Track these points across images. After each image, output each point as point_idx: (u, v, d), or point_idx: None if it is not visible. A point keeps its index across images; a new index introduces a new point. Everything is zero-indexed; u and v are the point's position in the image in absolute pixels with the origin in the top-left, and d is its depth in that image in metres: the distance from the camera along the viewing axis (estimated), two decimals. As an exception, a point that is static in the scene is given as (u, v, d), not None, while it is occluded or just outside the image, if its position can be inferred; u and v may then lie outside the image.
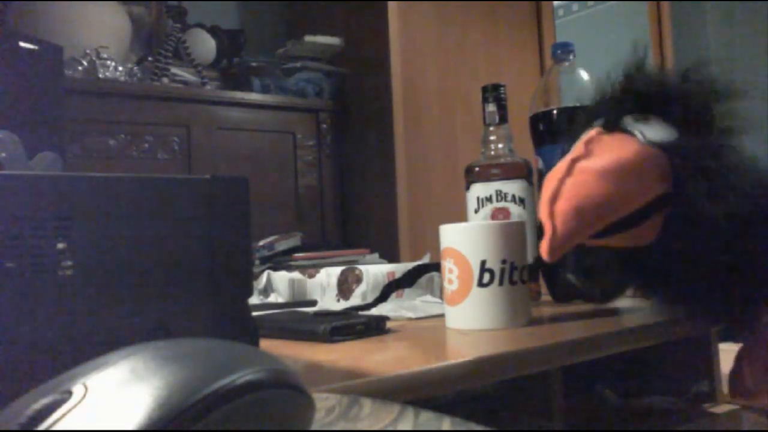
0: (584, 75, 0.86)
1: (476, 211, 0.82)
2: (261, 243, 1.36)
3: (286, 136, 2.00)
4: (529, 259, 0.70)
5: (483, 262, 0.62)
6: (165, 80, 1.85)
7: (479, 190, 0.82)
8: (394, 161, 1.91)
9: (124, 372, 0.24)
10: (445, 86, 2.05)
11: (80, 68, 1.69)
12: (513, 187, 0.80)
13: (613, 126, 0.59)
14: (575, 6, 3.25)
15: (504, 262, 0.62)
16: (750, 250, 0.58)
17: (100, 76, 1.70)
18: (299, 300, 0.92)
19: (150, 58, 1.92)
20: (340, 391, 0.36)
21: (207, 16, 2.17)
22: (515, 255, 0.63)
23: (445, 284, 0.64)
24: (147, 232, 0.42)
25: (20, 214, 0.38)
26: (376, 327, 0.62)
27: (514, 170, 0.81)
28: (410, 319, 0.72)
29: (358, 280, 0.85)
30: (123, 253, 0.41)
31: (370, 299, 0.80)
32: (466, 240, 0.63)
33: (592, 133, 0.59)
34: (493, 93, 0.83)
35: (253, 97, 1.94)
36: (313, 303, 0.89)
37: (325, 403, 0.31)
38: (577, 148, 0.58)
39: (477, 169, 0.83)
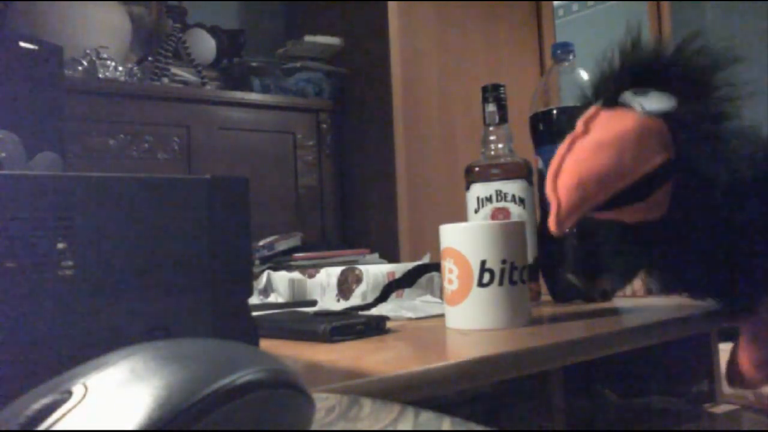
0: (584, 75, 0.86)
1: (476, 211, 0.82)
2: (261, 243, 1.36)
3: (286, 136, 2.00)
4: (529, 259, 0.70)
5: (483, 262, 0.62)
6: (165, 80, 1.85)
7: (479, 190, 0.82)
8: (394, 161, 1.91)
9: (124, 372, 0.24)
10: (445, 86, 2.05)
11: (80, 68, 1.69)
12: (513, 187, 0.80)
13: (612, 102, 0.60)
14: (575, 6, 3.25)
15: (504, 262, 0.62)
16: (752, 220, 0.59)
17: (100, 76, 1.70)
18: (299, 300, 0.92)
19: (150, 58, 1.92)
20: (340, 391, 0.36)
21: (207, 16, 2.17)
22: (515, 255, 0.63)
23: (445, 284, 0.64)
24: (147, 232, 0.42)
25: (20, 214, 0.38)
26: (376, 327, 0.62)
27: (514, 170, 0.81)
28: (410, 319, 0.72)
29: (358, 280, 0.85)
30: (123, 253, 0.41)
31: (370, 299, 0.80)
32: (466, 240, 0.63)
33: (590, 111, 0.60)
34: (493, 93, 0.83)
35: (253, 97, 1.94)
36: (313, 303, 0.89)
37: (325, 403, 0.31)
38: (577, 126, 0.59)
39: (477, 169, 0.83)
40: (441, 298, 0.76)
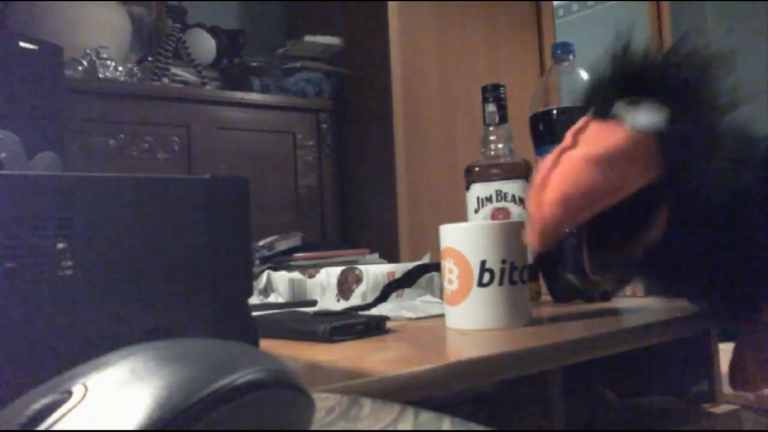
0: (584, 75, 0.85)
1: (476, 211, 0.82)
2: (261, 243, 1.35)
3: (286, 136, 2.00)
4: (529, 259, 0.70)
5: (483, 262, 0.62)
6: (165, 80, 1.85)
7: (479, 190, 0.82)
8: (394, 161, 1.91)
9: (124, 372, 0.24)
10: (445, 86, 2.05)
11: (80, 68, 1.69)
12: (513, 187, 0.80)
13: (603, 113, 0.59)
14: (575, 6, 3.25)
15: (504, 262, 0.62)
16: (748, 237, 0.58)
17: (100, 76, 1.70)
18: (299, 300, 0.92)
19: (150, 58, 1.92)
20: (340, 391, 0.36)
21: (207, 16, 2.17)
22: (515, 255, 0.63)
23: (445, 284, 0.64)
24: (147, 232, 0.42)
25: (20, 214, 0.38)
26: (376, 327, 0.62)
27: (514, 170, 0.81)
28: (410, 319, 0.72)
29: (358, 280, 0.85)
30: (123, 253, 0.41)
31: (370, 299, 0.80)
32: (466, 240, 0.63)
33: (580, 122, 0.59)
34: (493, 93, 0.83)
35: (253, 97, 1.94)
36: (313, 303, 0.89)
37: (325, 403, 0.31)
38: (566, 138, 0.58)
39: (477, 169, 0.83)
40: (441, 298, 0.76)
